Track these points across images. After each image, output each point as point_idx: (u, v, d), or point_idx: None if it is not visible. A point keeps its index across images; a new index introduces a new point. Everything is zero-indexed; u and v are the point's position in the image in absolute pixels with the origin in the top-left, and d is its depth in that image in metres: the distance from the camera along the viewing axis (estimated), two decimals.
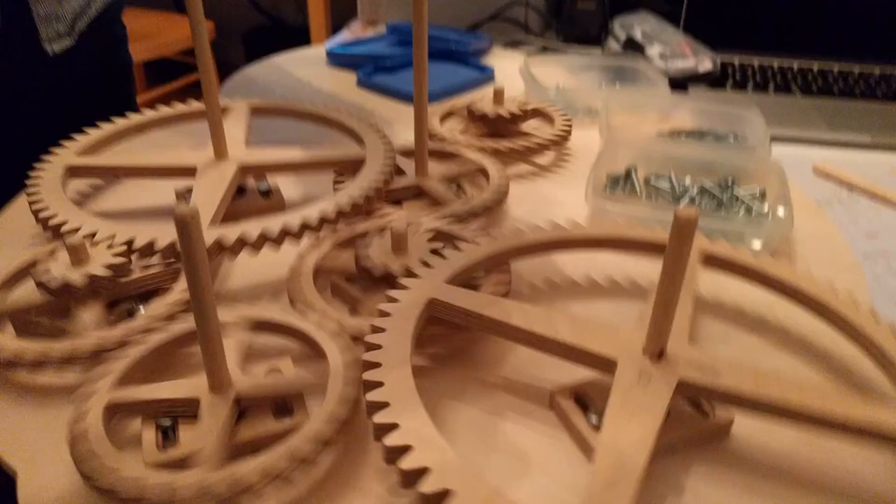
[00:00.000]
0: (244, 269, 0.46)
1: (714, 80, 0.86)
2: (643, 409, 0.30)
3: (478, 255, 0.40)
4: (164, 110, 0.59)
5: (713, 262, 0.42)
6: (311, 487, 0.31)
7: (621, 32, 0.98)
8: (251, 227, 0.42)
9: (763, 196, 0.54)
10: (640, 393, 0.31)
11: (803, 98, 0.83)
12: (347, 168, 0.52)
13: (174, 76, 2.42)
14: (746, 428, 0.33)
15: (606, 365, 0.32)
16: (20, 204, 0.53)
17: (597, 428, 0.32)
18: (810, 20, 0.97)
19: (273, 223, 0.42)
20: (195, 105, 0.60)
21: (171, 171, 0.52)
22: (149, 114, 0.59)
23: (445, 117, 0.66)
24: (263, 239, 0.42)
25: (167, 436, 0.31)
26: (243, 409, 0.33)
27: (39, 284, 0.38)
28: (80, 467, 0.28)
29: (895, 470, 0.32)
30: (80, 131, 0.55)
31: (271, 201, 0.53)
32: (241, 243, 0.42)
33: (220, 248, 0.41)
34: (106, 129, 0.56)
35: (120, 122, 0.57)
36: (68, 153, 0.52)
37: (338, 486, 0.31)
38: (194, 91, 2.33)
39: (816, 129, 0.74)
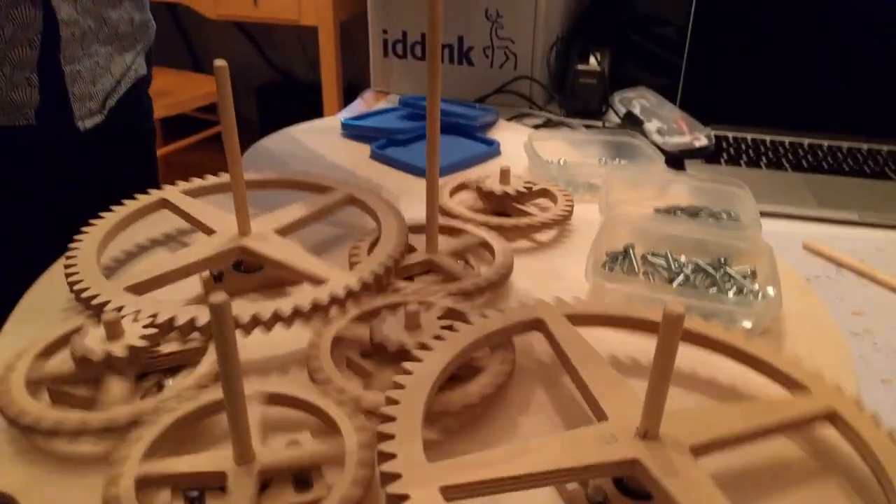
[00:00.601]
0: (262, 340, 0.49)
1: (709, 156, 0.90)
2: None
3: (486, 331, 0.43)
4: (188, 185, 0.63)
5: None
6: None
7: (621, 107, 1.04)
8: (268, 307, 0.45)
9: (754, 275, 0.57)
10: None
11: (794, 173, 0.87)
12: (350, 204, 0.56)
13: (191, 131, 2.50)
14: None
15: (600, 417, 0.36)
16: (53, 274, 0.56)
17: None
18: (801, 97, 1.02)
19: (287, 304, 0.46)
20: (219, 179, 0.64)
21: (203, 227, 0.56)
22: (174, 188, 0.62)
23: (455, 191, 0.70)
24: (277, 318, 0.45)
25: None
26: (265, 480, 0.35)
27: (80, 358, 0.41)
28: None
29: None
30: (108, 202, 0.59)
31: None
32: (255, 322, 0.45)
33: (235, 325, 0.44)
34: (129, 206, 0.59)
35: (146, 199, 0.60)
36: (100, 231, 0.55)
37: None
38: (210, 145, 2.41)
39: (807, 206, 0.78)
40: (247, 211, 0.55)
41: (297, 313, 0.46)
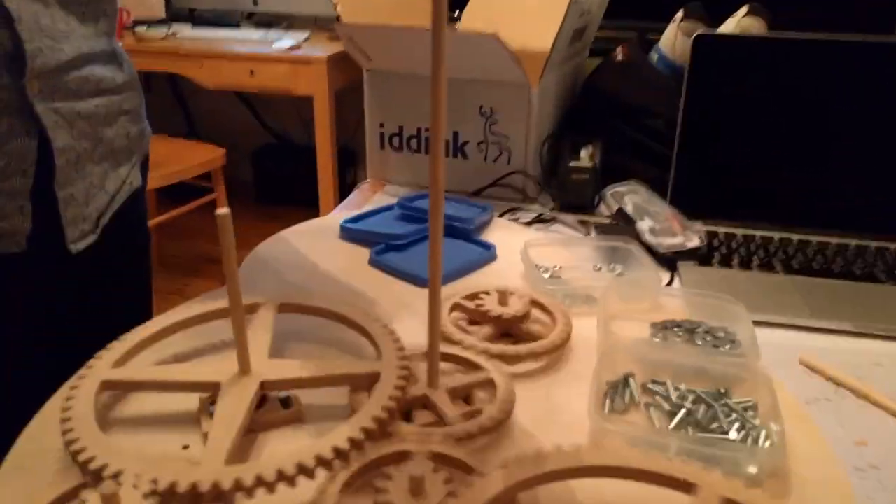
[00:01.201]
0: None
1: (701, 256, 0.92)
2: None
3: (490, 493, 0.43)
4: (186, 312, 0.62)
5: None
6: None
7: (612, 202, 1.05)
8: (268, 466, 0.45)
9: (755, 408, 0.57)
10: None
11: (785, 276, 0.88)
12: (363, 384, 0.55)
13: (186, 198, 2.51)
14: None
15: None
16: (46, 417, 0.55)
17: None
18: (790, 190, 1.04)
19: (288, 462, 0.45)
20: (216, 304, 0.64)
21: (197, 386, 0.55)
22: (171, 318, 0.62)
23: (452, 310, 0.70)
24: (281, 477, 0.45)
25: None
26: None
27: None
28: None
29: None
30: (103, 320, 0.59)
31: (291, 412, 0.56)
32: (259, 482, 0.44)
33: (217, 489, 0.43)
34: (127, 342, 0.58)
35: (142, 332, 0.60)
36: (98, 371, 0.55)
37: None
38: (205, 211, 2.42)
39: (800, 315, 0.78)
40: (247, 347, 0.55)
41: (300, 470, 0.46)
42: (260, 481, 0.44)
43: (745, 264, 0.91)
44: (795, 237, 0.98)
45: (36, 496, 0.44)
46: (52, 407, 0.56)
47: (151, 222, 2.25)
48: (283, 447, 0.51)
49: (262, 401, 0.56)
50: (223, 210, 0.49)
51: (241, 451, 0.51)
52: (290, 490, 0.47)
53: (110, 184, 0.72)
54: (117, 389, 0.56)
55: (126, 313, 0.67)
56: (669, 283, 0.87)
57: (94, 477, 0.45)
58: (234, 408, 0.52)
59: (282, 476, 0.45)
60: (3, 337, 0.67)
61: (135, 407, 0.57)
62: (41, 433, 0.54)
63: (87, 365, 0.55)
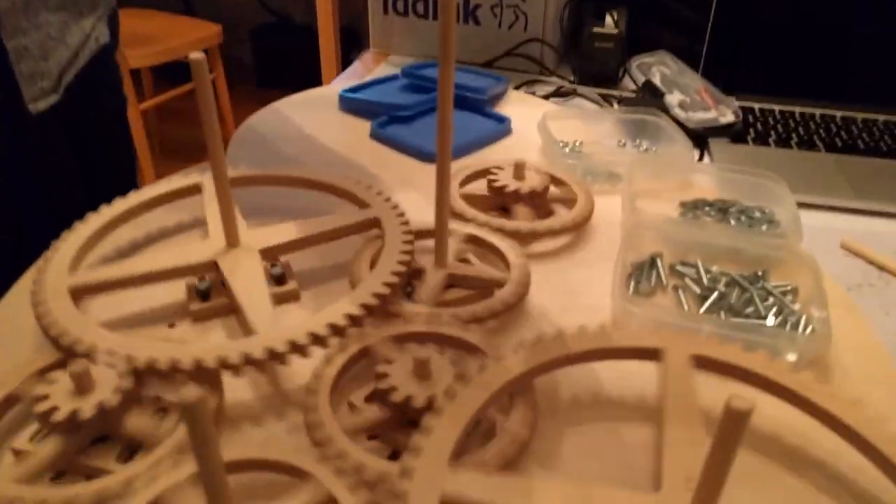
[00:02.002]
0: (255, 377, 0.44)
1: (735, 133, 0.84)
2: None
3: (501, 383, 0.38)
4: (157, 189, 0.56)
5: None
6: None
7: (639, 74, 0.96)
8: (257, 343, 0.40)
9: (795, 292, 0.52)
10: None
11: (827, 154, 0.80)
12: (364, 229, 0.50)
13: (182, 79, 2.39)
14: None
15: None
16: (20, 291, 0.51)
17: None
18: (833, 63, 0.94)
19: (278, 341, 0.41)
20: (189, 179, 0.58)
21: (188, 270, 0.49)
22: (143, 195, 0.55)
23: (464, 183, 0.64)
24: (272, 356, 0.40)
25: None
26: None
27: (41, 417, 0.36)
28: None
29: None
30: (78, 194, 0.53)
31: (287, 289, 0.51)
32: (247, 361, 0.40)
33: (199, 367, 0.39)
34: (98, 220, 0.52)
35: (112, 210, 0.53)
36: (63, 268, 0.49)
37: None
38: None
39: (842, 196, 0.72)
40: (234, 220, 0.50)
41: (293, 347, 0.41)
42: (248, 360, 0.40)
43: (784, 142, 0.83)
44: (839, 113, 0.90)
45: (10, 374, 0.40)
46: (25, 285, 0.52)
47: (146, 104, 2.16)
48: (278, 325, 0.46)
49: None
50: (197, 54, 0.42)
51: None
52: (286, 373, 0.43)
53: (71, 37, 0.64)
54: (95, 293, 0.50)
55: (105, 186, 0.60)
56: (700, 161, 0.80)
57: (68, 353, 0.41)
58: (250, 280, 0.47)
59: (273, 355, 0.40)
60: None
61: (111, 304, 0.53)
62: (16, 311, 0.49)
63: (54, 248, 0.49)
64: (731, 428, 0.27)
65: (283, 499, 0.34)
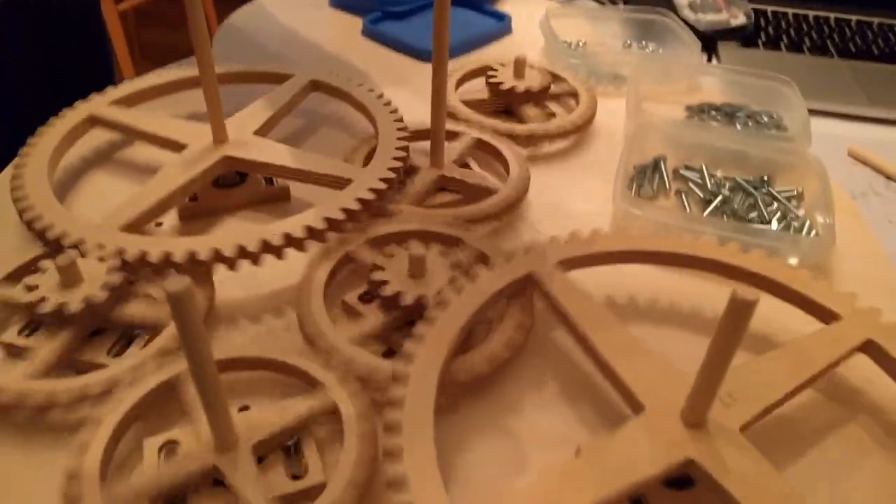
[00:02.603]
0: (246, 277, 0.43)
1: (746, 37, 0.80)
2: None
3: (498, 286, 0.37)
4: (121, 92, 0.53)
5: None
6: None
7: None
8: (254, 234, 0.39)
9: (801, 197, 0.51)
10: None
11: (840, 60, 0.77)
12: (339, 185, 0.45)
13: None
14: None
15: (635, 407, 0.31)
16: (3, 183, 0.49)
17: None
18: None
19: (277, 230, 0.39)
20: (167, 76, 0.55)
21: (165, 142, 0.48)
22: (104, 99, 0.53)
23: (461, 83, 0.61)
24: (266, 248, 0.39)
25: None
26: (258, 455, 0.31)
27: (28, 307, 0.35)
28: None
29: None
30: (40, 95, 0.50)
31: (275, 189, 0.49)
32: (242, 253, 0.39)
33: (193, 260, 0.38)
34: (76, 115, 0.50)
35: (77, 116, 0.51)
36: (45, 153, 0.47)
37: None
38: None
39: (854, 103, 0.69)
40: (221, 114, 0.48)
41: (289, 241, 0.40)
42: (243, 252, 0.39)
43: (796, 46, 0.79)
44: (854, 17, 0.86)
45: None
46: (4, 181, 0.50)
47: (125, 5, 2.05)
48: (266, 224, 0.45)
49: (244, 177, 0.50)
50: None
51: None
52: (277, 269, 0.41)
53: None
54: (100, 126, 0.50)
55: (77, 88, 0.57)
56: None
57: (54, 247, 0.40)
58: (183, 168, 0.45)
59: (268, 246, 0.39)
60: None
61: (89, 190, 0.51)
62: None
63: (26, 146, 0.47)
64: (737, 319, 0.26)
65: (285, 396, 0.33)
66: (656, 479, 0.29)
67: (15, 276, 0.39)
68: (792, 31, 0.83)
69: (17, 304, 0.37)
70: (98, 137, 0.53)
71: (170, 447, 0.32)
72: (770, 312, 0.38)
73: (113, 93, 0.53)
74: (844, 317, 0.36)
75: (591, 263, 0.40)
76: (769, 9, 0.87)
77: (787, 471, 0.34)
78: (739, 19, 0.80)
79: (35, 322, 0.37)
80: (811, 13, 0.87)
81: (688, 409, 0.30)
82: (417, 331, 0.34)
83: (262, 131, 0.50)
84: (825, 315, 0.37)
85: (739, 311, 0.26)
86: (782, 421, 0.35)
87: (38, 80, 0.60)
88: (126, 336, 0.37)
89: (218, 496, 0.30)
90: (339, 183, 0.45)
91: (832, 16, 0.86)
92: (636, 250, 0.40)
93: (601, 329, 0.35)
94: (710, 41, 0.79)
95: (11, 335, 0.37)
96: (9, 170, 0.48)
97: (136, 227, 0.41)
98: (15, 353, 0.36)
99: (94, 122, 0.50)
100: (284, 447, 0.32)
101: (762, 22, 0.84)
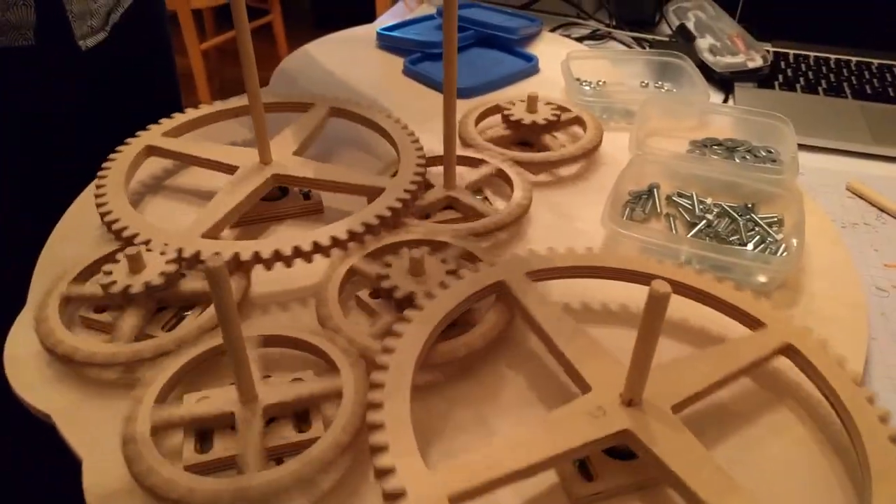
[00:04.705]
0: (277, 274, 0.51)
1: (762, 78, 0.85)
2: None
3: (479, 286, 0.44)
4: (173, 124, 0.62)
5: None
6: (332, 488, 0.36)
7: (675, 18, 0.97)
8: (271, 244, 0.47)
9: (781, 223, 0.55)
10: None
11: (853, 101, 0.81)
12: (373, 195, 0.54)
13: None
14: None
15: (583, 388, 0.37)
16: (85, 199, 0.59)
17: (589, 478, 0.36)
18: (871, 10, 0.93)
19: (287, 242, 0.47)
20: (224, 105, 0.65)
21: (217, 165, 0.57)
22: (208, 108, 0.63)
23: (482, 118, 0.69)
24: (278, 256, 0.47)
25: (205, 440, 0.37)
26: (270, 416, 0.38)
27: (103, 288, 0.44)
28: (130, 468, 0.34)
29: None
30: (124, 124, 0.60)
31: (311, 203, 0.57)
32: (257, 258, 0.47)
33: (238, 263, 0.46)
34: (182, 118, 0.61)
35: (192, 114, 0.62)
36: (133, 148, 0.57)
37: (355, 483, 0.36)
38: (261, 35, 2.37)
39: (859, 141, 0.73)
40: (266, 138, 0.56)
41: (316, 248, 0.48)
42: (278, 256, 0.47)
43: (811, 88, 0.84)
44: (876, 62, 0.89)
45: (81, 258, 0.48)
46: (90, 191, 0.60)
47: (207, 44, 2.24)
48: (301, 233, 0.53)
49: (284, 192, 0.58)
50: None
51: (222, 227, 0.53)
52: (299, 273, 0.49)
53: None
54: (155, 155, 0.59)
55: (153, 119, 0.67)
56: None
57: (126, 243, 0.48)
58: (239, 187, 0.53)
59: (299, 252, 0.47)
60: (21, 137, 0.67)
61: (168, 185, 0.60)
62: (81, 211, 0.58)
63: (110, 159, 0.57)
64: (655, 308, 0.32)
65: (301, 383, 0.40)
66: (597, 444, 0.35)
67: (97, 265, 0.48)
68: (810, 73, 0.87)
69: (93, 289, 0.46)
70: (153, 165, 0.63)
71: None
72: (719, 320, 0.43)
73: (165, 124, 0.62)
74: (769, 325, 0.41)
75: (554, 276, 0.46)
76: (792, 52, 0.92)
77: (718, 446, 0.39)
78: (756, 61, 0.85)
79: (105, 303, 0.46)
80: (833, 56, 0.91)
81: (626, 389, 0.36)
82: (407, 315, 0.41)
83: (299, 152, 0.59)
84: (752, 323, 0.43)
85: (657, 302, 0.32)
86: (718, 408, 0.41)
87: (119, 112, 0.70)
88: (177, 316, 0.46)
89: (234, 440, 0.37)
90: (374, 192, 0.53)
91: (853, 59, 0.90)
92: (589, 266, 0.46)
93: (558, 327, 0.41)
94: (727, 83, 0.84)
95: (86, 311, 0.46)
96: (91, 187, 0.58)
97: (211, 234, 0.50)
98: (87, 325, 0.45)
99: (150, 151, 0.59)
100: (294, 414, 0.39)
101: (782, 64, 0.89)
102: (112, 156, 0.57)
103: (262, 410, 0.38)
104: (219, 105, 0.65)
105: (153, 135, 0.60)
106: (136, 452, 0.35)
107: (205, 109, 0.64)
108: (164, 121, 0.62)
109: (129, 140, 0.59)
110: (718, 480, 0.33)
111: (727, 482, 0.33)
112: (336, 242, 0.48)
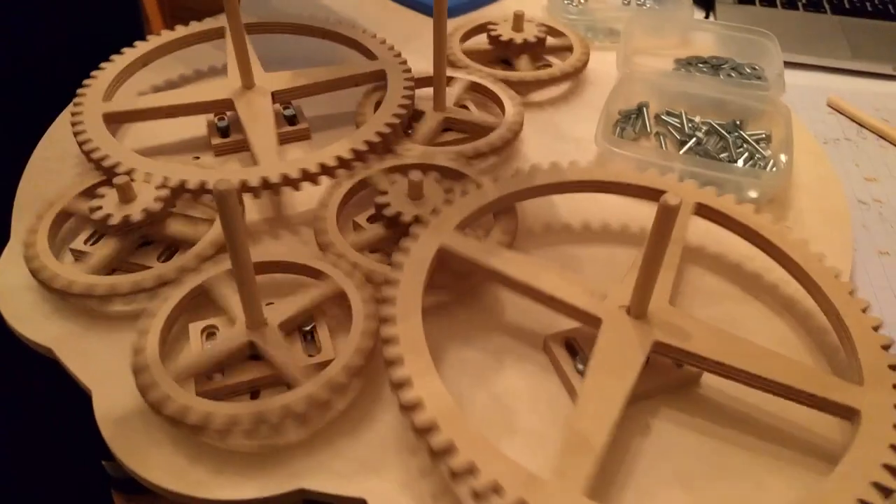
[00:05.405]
0: (262, 203, 0.50)
1: None
2: (621, 366, 0.35)
3: (485, 201, 0.44)
4: (183, 31, 0.60)
5: (705, 212, 0.45)
6: (345, 409, 0.37)
7: None
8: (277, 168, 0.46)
9: (768, 139, 0.56)
10: (618, 352, 0.35)
11: (832, 17, 0.81)
12: (370, 81, 0.55)
13: None
14: (716, 379, 0.38)
15: (592, 321, 0.37)
16: (60, 125, 0.56)
17: (582, 374, 0.37)
18: None
19: (292, 167, 0.46)
20: (190, 29, 0.61)
21: (206, 106, 0.54)
22: (153, 42, 0.59)
23: (467, 37, 0.67)
24: (286, 180, 0.46)
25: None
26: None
27: (98, 222, 0.43)
28: (145, 397, 0.34)
29: (839, 428, 0.37)
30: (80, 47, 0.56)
31: (298, 128, 0.56)
32: (265, 184, 0.46)
33: (203, 190, 0.45)
34: (116, 64, 0.57)
35: (128, 56, 0.58)
36: (96, 99, 0.53)
37: (367, 402, 0.37)
38: None
39: (839, 57, 0.73)
40: (249, 61, 0.54)
41: (305, 175, 0.47)
42: (287, 178, 0.46)
43: (791, 3, 0.83)
44: None
45: (63, 192, 0.46)
46: (62, 120, 0.57)
47: None
48: (290, 157, 0.51)
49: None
50: None
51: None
52: (296, 198, 0.48)
53: None
54: (122, 121, 0.55)
55: (109, 38, 0.62)
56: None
57: (109, 174, 0.47)
58: (263, 125, 0.51)
59: (287, 179, 0.46)
60: None
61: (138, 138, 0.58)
62: (59, 138, 0.55)
63: (79, 94, 0.53)
64: (664, 220, 0.32)
65: (302, 292, 0.40)
66: (573, 313, 0.37)
67: (81, 198, 0.46)
68: None
69: (85, 218, 0.44)
70: (143, 80, 0.60)
71: (210, 331, 0.39)
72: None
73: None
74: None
75: (559, 191, 0.46)
76: None
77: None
78: None
79: (98, 234, 0.44)
80: None
81: (634, 304, 0.36)
82: (413, 232, 0.41)
83: (280, 97, 0.56)
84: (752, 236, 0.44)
85: (666, 215, 0.32)
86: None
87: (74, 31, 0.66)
88: (170, 249, 0.45)
89: (251, 368, 0.37)
90: (377, 76, 0.56)
91: None
92: (598, 180, 0.46)
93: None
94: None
95: (78, 243, 0.44)
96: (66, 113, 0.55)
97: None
98: (79, 257, 0.44)
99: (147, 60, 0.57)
100: (302, 332, 0.39)
101: None
102: (86, 81, 0.55)
103: (278, 329, 0.38)
104: (196, 26, 0.61)
105: (117, 66, 0.57)
106: (149, 380, 0.35)
107: (180, 32, 0.61)
108: (126, 50, 0.58)
109: (102, 65, 0.56)
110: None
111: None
112: (342, 163, 0.47)
